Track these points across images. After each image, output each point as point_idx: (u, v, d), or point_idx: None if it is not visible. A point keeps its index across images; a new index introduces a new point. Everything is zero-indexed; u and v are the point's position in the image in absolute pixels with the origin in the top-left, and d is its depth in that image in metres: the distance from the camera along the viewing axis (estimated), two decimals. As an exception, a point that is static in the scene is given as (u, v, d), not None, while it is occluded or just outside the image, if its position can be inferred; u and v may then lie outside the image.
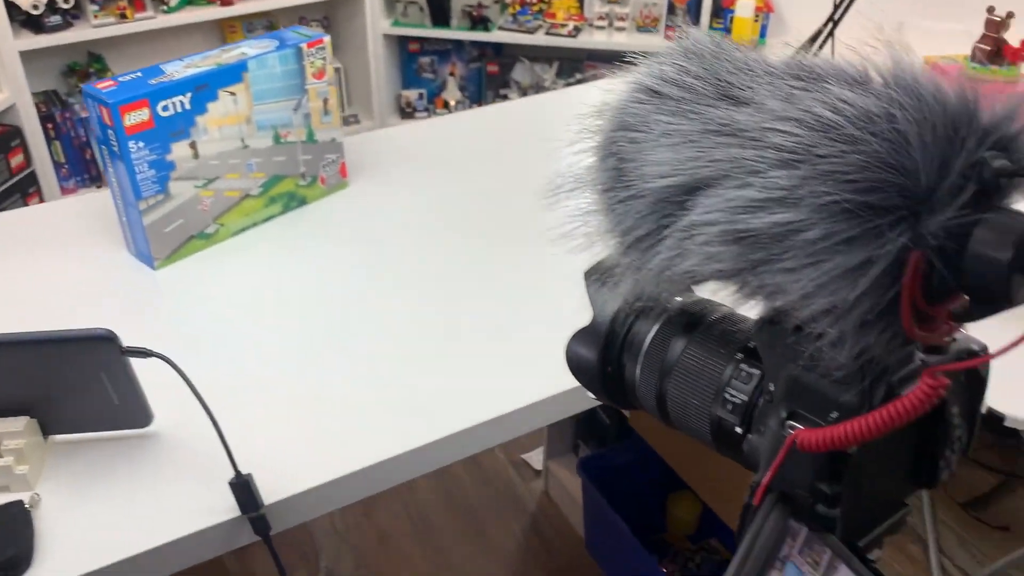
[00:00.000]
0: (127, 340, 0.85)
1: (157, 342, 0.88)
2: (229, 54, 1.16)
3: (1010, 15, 1.79)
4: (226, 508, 0.80)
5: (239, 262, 1.19)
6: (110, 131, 1.06)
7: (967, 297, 0.41)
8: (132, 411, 0.87)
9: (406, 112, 3.05)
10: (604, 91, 0.52)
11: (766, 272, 0.41)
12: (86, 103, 1.09)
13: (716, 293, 0.49)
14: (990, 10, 1.82)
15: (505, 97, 3.03)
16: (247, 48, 1.17)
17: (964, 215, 0.38)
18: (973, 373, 0.49)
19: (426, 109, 3.06)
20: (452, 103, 3.06)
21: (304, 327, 1.06)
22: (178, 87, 1.09)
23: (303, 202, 1.30)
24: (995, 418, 1.62)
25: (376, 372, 0.99)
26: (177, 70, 1.11)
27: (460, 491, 2.13)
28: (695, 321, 0.54)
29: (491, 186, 1.38)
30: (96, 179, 2.74)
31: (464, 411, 0.92)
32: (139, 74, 1.10)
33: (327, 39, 1.22)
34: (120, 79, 1.08)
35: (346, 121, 2.99)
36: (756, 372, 0.49)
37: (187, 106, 1.10)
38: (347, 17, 2.91)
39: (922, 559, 1.93)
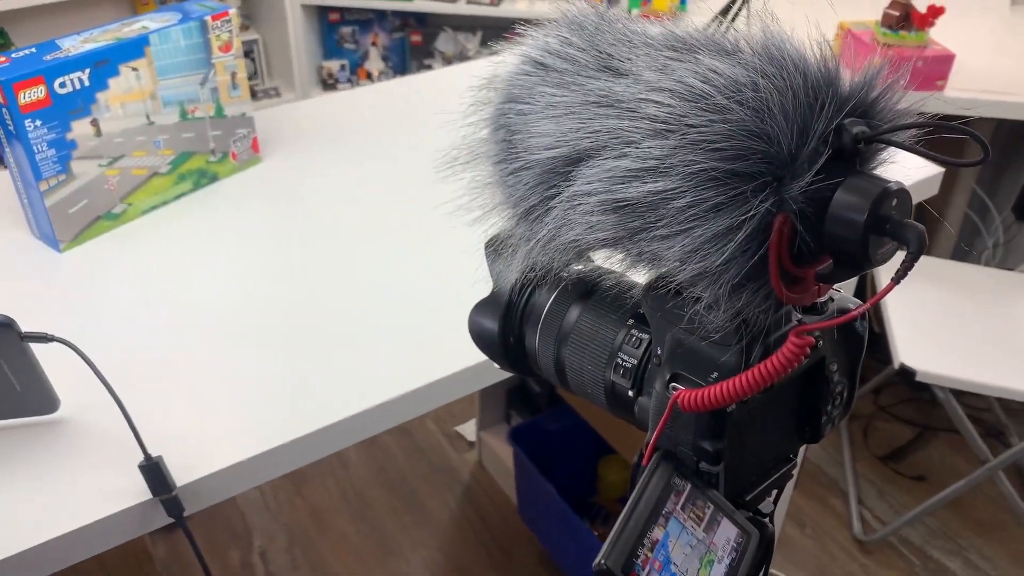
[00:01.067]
0: (33, 325, 0.83)
1: (64, 326, 0.86)
2: (130, 28, 1.12)
3: (917, -19, 1.84)
4: (138, 491, 0.79)
5: (149, 241, 1.16)
6: (4, 110, 1.02)
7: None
8: (36, 397, 0.85)
9: (328, 84, 3.00)
10: (494, 63, 0.53)
11: (643, 240, 0.42)
12: (-22, 81, 1.05)
13: (608, 261, 0.50)
14: (898, -24, 1.86)
15: (429, 67, 3.00)
16: (148, 22, 1.14)
17: (824, 179, 0.39)
18: (851, 331, 0.51)
19: (349, 80, 3.01)
20: (375, 74, 3.02)
21: (217, 306, 1.05)
22: (76, 63, 1.05)
23: (214, 179, 1.27)
24: (908, 373, 1.69)
25: (291, 349, 0.98)
26: (74, 45, 1.07)
27: (393, 465, 2.14)
28: (590, 289, 0.55)
29: (408, 158, 1.37)
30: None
31: (382, 384, 0.92)
32: (33, 50, 1.06)
33: (232, 11, 1.20)
34: (13, 55, 1.04)
35: (267, 94, 2.93)
36: (645, 337, 0.50)
37: (86, 82, 1.07)
38: (265, -13, 2.84)
39: (843, 511, 2.01)
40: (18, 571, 0.76)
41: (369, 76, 3.01)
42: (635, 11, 2.50)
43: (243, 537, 1.94)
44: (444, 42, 2.96)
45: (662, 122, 0.41)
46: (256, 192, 1.27)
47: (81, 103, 1.08)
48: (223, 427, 0.88)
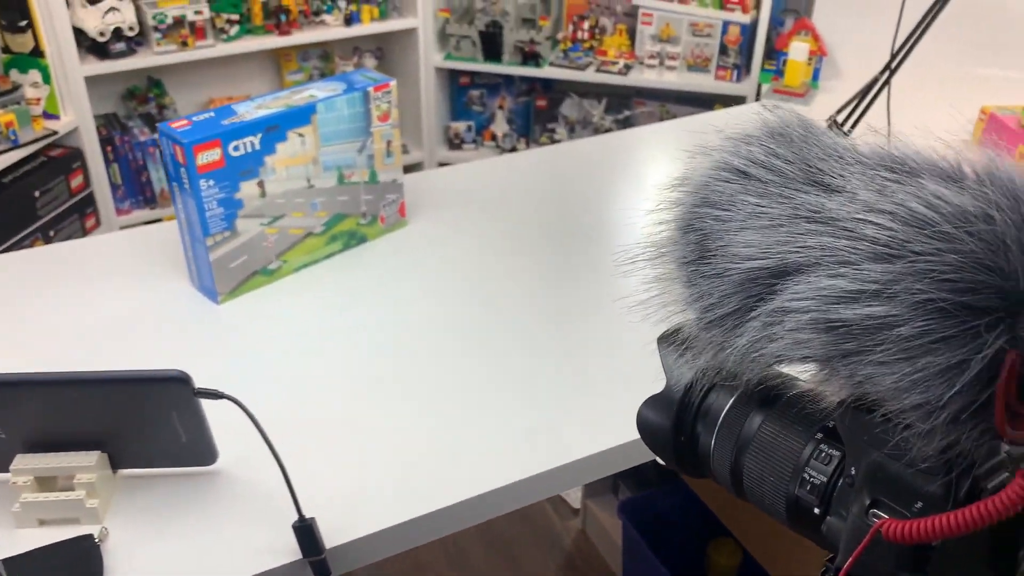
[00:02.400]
0: (191, 374, 0.86)
1: (219, 377, 0.89)
2: (299, 96, 1.19)
3: (1070, 69, 1.77)
4: (287, 550, 0.82)
5: (300, 298, 1.21)
6: (182, 169, 1.09)
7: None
8: (199, 449, 0.89)
9: (454, 143, 3.08)
10: (683, 164, 0.53)
11: (856, 362, 0.42)
12: (160, 141, 1.12)
13: (793, 369, 0.49)
14: (1050, 63, 1.80)
15: (552, 131, 3.05)
16: (316, 91, 1.20)
17: (1058, 316, 0.38)
18: (1057, 464, 0.48)
19: (474, 141, 3.09)
20: (500, 136, 3.08)
21: (363, 365, 1.08)
22: (250, 128, 1.12)
23: (363, 240, 1.32)
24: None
25: (437, 414, 1.00)
26: (249, 111, 1.14)
27: (496, 524, 2.13)
28: (772, 396, 0.54)
29: (546, 229, 1.39)
30: (151, 201, 2.80)
31: (527, 457, 0.93)
32: (212, 114, 1.13)
33: (393, 83, 1.25)
34: (194, 119, 1.11)
35: (395, 151, 3.03)
36: (836, 454, 0.49)
37: (257, 146, 1.13)
38: (401, 50, 2.95)
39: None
40: (172, 617, 0.79)
41: (494, 137, 3.08)
42: (766, 85, 2.49)
43: (348, 586, 1.96)
44: (569, 107, 3.01)
45: (883, 245, 0.41)
46: (402, 255, 1.31)
47: (251, 165, 1.14)
48: (371, 488, 0.89)
